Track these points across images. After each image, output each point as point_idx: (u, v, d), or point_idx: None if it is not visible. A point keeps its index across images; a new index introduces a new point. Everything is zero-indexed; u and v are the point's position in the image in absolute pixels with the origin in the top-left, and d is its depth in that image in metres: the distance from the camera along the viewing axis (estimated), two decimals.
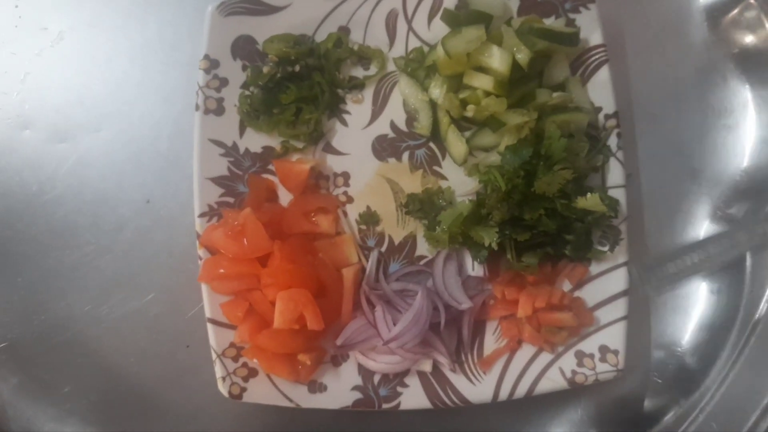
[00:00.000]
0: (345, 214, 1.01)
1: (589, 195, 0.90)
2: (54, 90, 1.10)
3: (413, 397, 0.96)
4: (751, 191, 1.02)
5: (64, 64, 1.10)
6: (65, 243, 1.07)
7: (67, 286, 1.06)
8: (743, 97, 1.04)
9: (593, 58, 0.98)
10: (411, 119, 1.02)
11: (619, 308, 0.94)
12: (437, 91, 0.99)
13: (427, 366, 0.96)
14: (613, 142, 0.96)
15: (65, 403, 1.04)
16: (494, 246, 0.92)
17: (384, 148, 1.02)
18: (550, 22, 0.99)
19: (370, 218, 1.00)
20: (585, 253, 0.95)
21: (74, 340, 1.05)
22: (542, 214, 0.91)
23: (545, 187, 0.89)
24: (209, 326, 0.96)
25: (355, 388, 0.96)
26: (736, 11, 1.05)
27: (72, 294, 1.06)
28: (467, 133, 1.00)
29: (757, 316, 1.00)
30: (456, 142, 0.99)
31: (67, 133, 1.09)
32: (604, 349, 0.94)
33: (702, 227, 1.02)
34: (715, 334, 1.01)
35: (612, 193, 0.94)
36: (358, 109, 1.03)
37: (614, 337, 0.93)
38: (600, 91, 0.97)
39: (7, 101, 1.10)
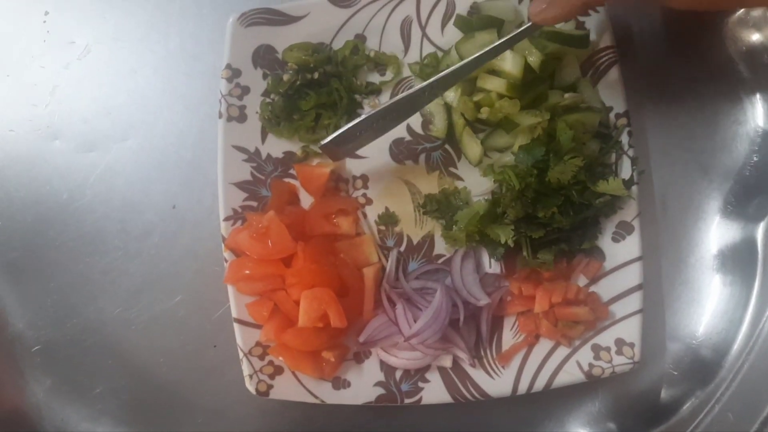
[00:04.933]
0: (364, 215, 1.03)
1: (611, 179, 0.93)
2: (82, 101, 1.13)
3: (434, 392, 0.98)
4: (761, 185, 1.03)
5: (91, 76, 1.14)
6: (95, 249, 1.10)
7: (98, 290, 1.09)
8: (751, 93, 1.05)
9: (603, 59, 1.00)
10: (426, 122, 1.04)
11: (634, 302, 0.96)
12: (452, 94, 1.01)
13: (447, 361, 0.98)
14: (624, 140, 0.98)
15: (97, 404, 1.08)
16: (510, 243, 0.94)
17: (401, 151, 1.04)
18: (560, 25, 1.00)
19: (388, 219, 1.03)
20: (592, 240, 0.97)
21: (105, 342, 1.08)
22: (555, 212, 0.93)
23: (559, 176, 0.91)
24: (236, 326, 0.99)
25: (378, 383, 0.99)
26: (742, 11, 1.06)
27: (102, 298, 1.09)
28: (481, 135, 1.02)
29: None
30: (471, 144, 1.01)
31: (95, 142, 1.12)
32: (620, 342, 0.96)
33: (713, 222, 1.04)
34: (729, 325, 1.02)
35: None
36: None
37: (630, 330, 0.95)
38: (611, 91, 0.99)
39: (37, 113, 1.13)
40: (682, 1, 0.83)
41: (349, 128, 0.93)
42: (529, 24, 0.89)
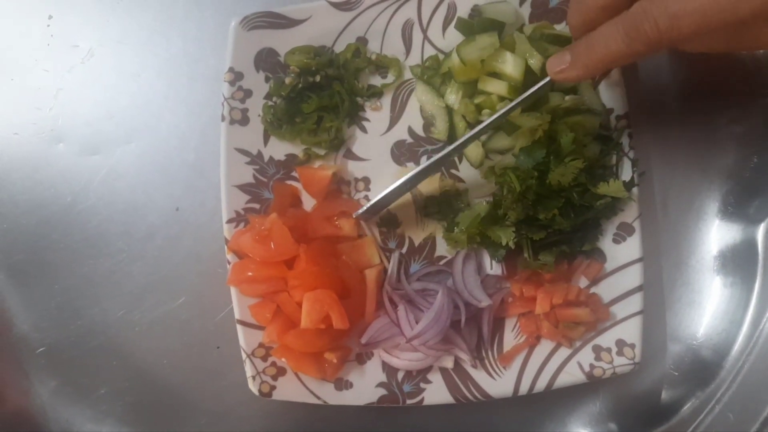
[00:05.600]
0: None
1: (611, 181, 0.94)
2: (85, 105, 1.14)
3: (436, 393, 0.98)
4: (761, 186, 1.03)
5: (95, 79, 1.14)
6: (99, 251, 1.11)
7: (102, 293, 1.10)
8: (752, 94, 1.05)
9: None
10: (428, 125, 1.04)
11: (635, 303, 0.96)
12: (453, 96, 1.01)
13: (448, 362, 0.98)
14: (625, 142, 0.98)
15: (102, 405, 1.08)
16: (511, 245, 0.95)
17: (402, 153, 1.04)
18: (560, 28, 1.01)
19: (390, 221, 1.03)
20: (593, 242, 0.98)
21: (109, 344, 1.09)
22: (556, 214, 0.94)
23: (559, 178, 0.92)
24: (239, 327, 0.99)
25: (380, 384, 0.99)
26: None
27: (106, 300, 1.10)
28: (483, 137, 1.02)
29: None
30: (472, 146, 1.01)
31: (99, 146, 1.13)
32: (621, 343, 0.96)
33: (713, 223, 1.04)
34: (730, 326, 1.03)
35: None
36: (376, 116, 1.06)
37: (631, 331, 0.96)
38: (611, 93, 1.00)
39: (41, 116, 1.14)
40: (698, 46, 0.83)
41: (381, 198, 0.95)
42: (546, 80, 0.87)
